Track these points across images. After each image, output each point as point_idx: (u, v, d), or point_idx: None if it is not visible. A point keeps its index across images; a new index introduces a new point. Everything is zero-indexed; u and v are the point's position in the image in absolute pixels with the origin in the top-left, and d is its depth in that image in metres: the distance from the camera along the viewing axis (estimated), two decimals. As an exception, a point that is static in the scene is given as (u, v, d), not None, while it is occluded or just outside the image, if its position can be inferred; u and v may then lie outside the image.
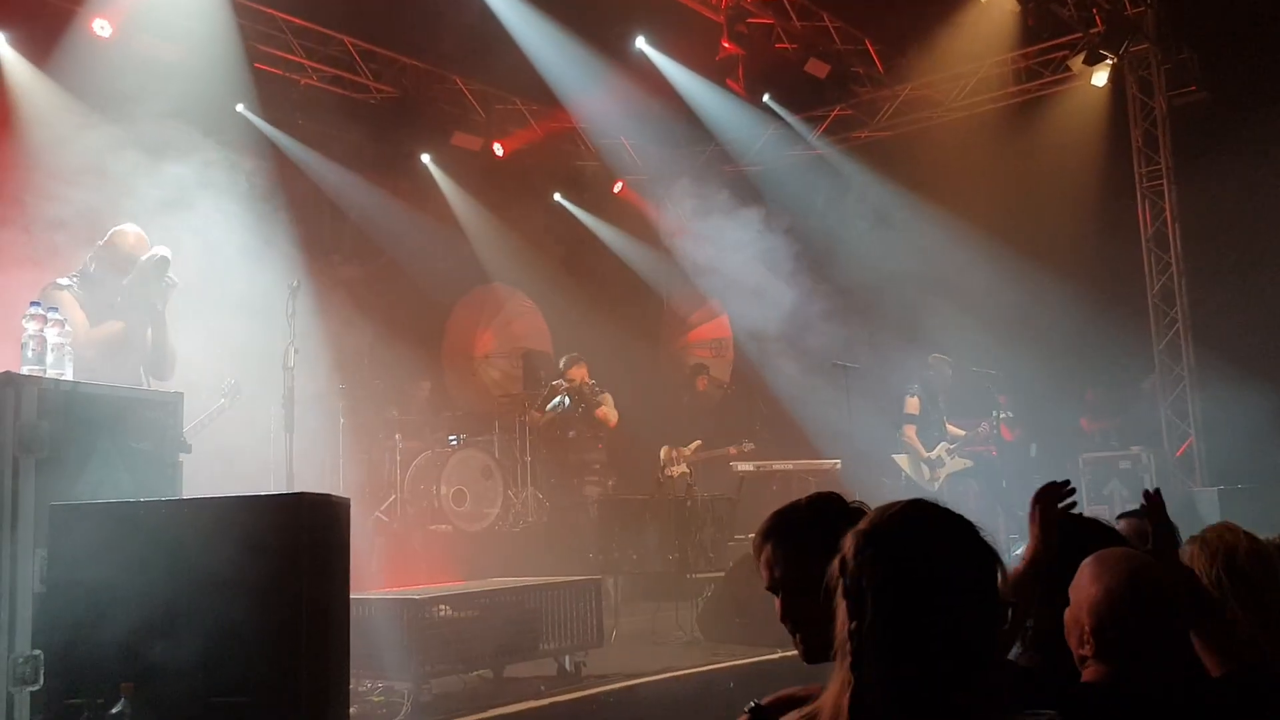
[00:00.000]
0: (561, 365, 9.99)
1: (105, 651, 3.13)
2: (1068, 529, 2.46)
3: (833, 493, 2.12)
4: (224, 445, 6.16)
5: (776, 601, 2.00)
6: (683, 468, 9.98)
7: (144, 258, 5.13)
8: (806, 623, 1.93)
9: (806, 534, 1.99)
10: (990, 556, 1.55)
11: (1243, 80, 10.13)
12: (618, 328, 11.72)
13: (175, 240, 6.43)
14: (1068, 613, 2.10)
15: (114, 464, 3.95)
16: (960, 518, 1.58)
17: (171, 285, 5.15)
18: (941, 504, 1.60)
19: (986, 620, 1.52)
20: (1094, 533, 2.51)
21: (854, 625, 1.50)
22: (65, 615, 3.26)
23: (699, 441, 10.45)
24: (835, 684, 1.53)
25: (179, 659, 3.08)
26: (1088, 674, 2.03)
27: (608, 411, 9.81)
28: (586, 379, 9.83)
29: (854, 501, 2.05)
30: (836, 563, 1.59)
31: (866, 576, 1.52)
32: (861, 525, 1.60)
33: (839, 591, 1.56)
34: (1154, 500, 2.64)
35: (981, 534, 1.57)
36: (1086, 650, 2.03)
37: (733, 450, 10.30)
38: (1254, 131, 9.70)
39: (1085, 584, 2.06)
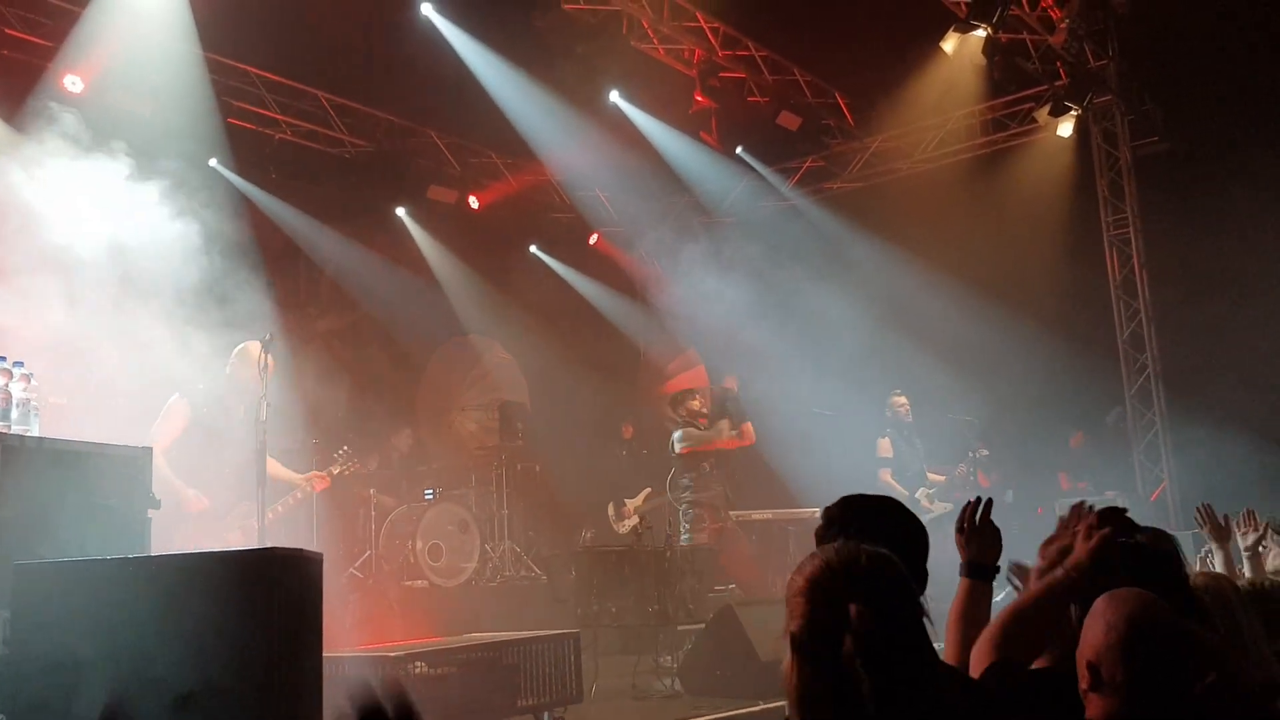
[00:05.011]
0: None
1: (70, 713, 3.04)
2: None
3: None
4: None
5: None
6: (634, 520, 9.68)
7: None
8: None
9: None
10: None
11: (1204, 131, 10.38)
12: (595, 378, 11.69)
13: (149, 294, 6.41)
14: (1079, 650, 2.06)
15: (81, 521, 3.86)
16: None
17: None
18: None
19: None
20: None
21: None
22: (29, 677, 3.16)
23: (648, 489, 10.17)
24: None
25: (146, 721, 2.99)
26: (1091, 711, 2.00)
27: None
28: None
29: None
30: (800, 622, 1.70)
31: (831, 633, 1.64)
32: (807, 577, 1.72)
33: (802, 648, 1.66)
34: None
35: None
36: (1090, 686, 2.00)
37: None
38: (1216, 180, 9.91)
39: (1094, 623, 2.03)
